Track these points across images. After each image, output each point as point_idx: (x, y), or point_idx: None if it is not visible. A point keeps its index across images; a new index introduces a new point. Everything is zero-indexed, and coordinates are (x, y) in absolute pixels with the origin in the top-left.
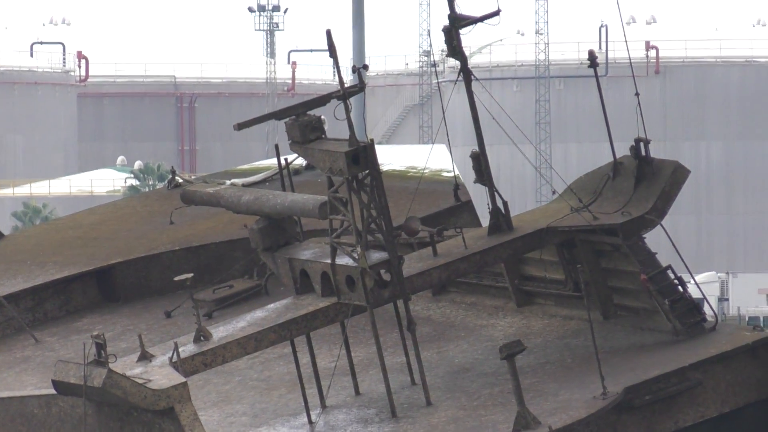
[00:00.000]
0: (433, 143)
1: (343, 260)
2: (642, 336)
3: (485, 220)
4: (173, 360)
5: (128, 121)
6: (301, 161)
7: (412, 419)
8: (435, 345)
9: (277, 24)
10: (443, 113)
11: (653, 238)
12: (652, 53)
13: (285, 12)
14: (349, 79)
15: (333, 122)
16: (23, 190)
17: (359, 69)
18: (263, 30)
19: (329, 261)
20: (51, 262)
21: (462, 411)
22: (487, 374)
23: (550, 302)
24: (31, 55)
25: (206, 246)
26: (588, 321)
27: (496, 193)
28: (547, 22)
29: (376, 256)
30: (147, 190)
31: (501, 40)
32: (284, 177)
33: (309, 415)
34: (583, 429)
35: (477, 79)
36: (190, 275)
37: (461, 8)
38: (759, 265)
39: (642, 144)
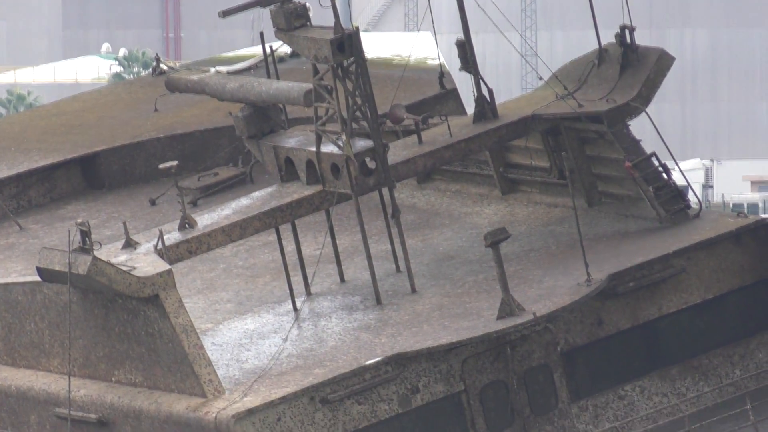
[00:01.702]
0: (418, 31)
1: (328, 148)
2: (626, 223)
3: (470, 108)
4: (158, 247)
5: (113, 8)
6: (286, 49)
7: (396, 306)
8: (420, 233)
9: None
10: (429, 1)
11: (638, 126)
12: None
13: None
14: None
15: (318, 9)
16: (7, 78)
17: None
18: None
19: (314, 149)
20: (35, 149)
21: (446, 298)
22: (471, 262)
23: (534, 190)
24: None
25: (191, 134)
26: (572, 208)
27: (481, 81)
28: None
29: (361, 143)
30: (131, 77)
31: None
32: (269, 65)
33: (294, 303)
34: (567, 315)
35: None
36: (175, 163)
37: None
38: (743, 152)
39: (627, 31)
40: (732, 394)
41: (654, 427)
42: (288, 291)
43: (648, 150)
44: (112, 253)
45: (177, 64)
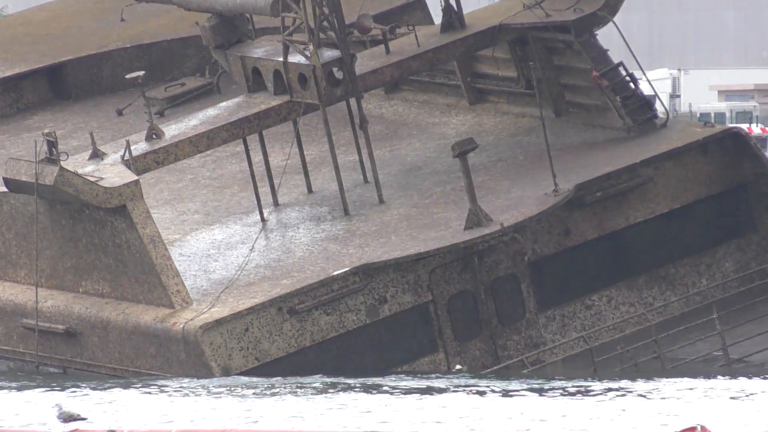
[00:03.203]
0: None
1: (295, 58)
2: (593, 133)
3: (438, 18)
4: (125, 158)
5: None
6: None
7: (364, 217)
8: (387, 143)
9: None
10: None
11: (605, 35)
12: None
13: None
14: None
15: None
16: None
17: None
18: None
19: (281, 59)
20: (1, 59)
21: (414, 209)
22: (439, 172)
23: (502, 100)
24: None
25: (158, 43)
26: (540, 118)
27: None
28: None
29: (329, 54)
30: None
31: None
32: None
33: (261, 213)
34: (535, 226)
35: None
36: (142, 73)
37: None
38: (710, 61)
39: None
40: (698, 304)
41: (621, 336)
42: (255, 201)
43: (615, 60)
44: (79, 164)
45: None
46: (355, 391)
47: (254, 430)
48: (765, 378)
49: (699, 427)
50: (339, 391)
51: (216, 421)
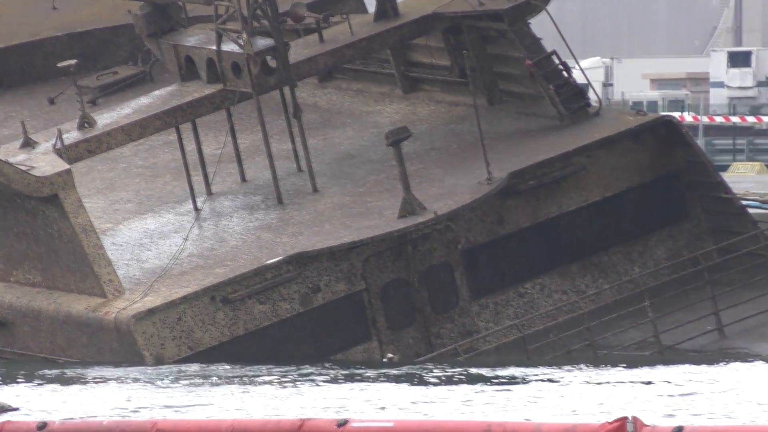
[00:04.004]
0: None
1: (228, 47)
2: (527, 121)
3: (371, 7)
4: (57, 147)
5: None
6: None
7: (298, 206)
8: (321, 132)
9: None
10: None
11: (538, 24)
12: None
13: None
14: None
15: None
16: None
17: None
18: None
19: (215, 47)
20: None
21: (348, 197)
22: (373, 161)
23: (436, 88)
24: None
25: (90, 32)
26: (473, 107)
27: None
28: None
29: (262, 42)
30: None
31: None
32: None
33: (194, 202)
34: (468, 214)
35: None
36: (74, 61)
37: None
38: (643, 50)
39: None
40: (631, 291)
41: (554, 324)
42: (189, 191)
43: (548, 48)
44: (10, 153)
45: None
46: (285, 379)
47: (184, 420)
48: (696, 365)
49: (630, 417)
50: (268, 380)
51: (147, 411)
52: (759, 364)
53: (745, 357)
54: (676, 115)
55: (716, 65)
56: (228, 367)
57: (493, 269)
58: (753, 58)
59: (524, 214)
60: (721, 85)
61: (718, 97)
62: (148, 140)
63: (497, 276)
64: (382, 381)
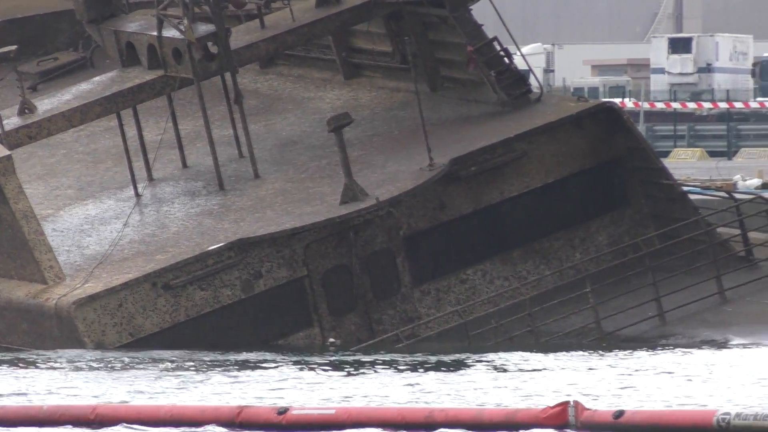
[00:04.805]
0: None
1: (169, 32)
2: (468, 107)
3: None
4: None
5: None
6: None
7: (239, 192)
8: (263, 118)
9: None
10: None
11: (480, 10)
12: None
13: None
14: None
15: None
16: None
17: None
18: None
19: (156, 33)
20: None
21: (290, 183)
22: (314, 147)
23: (377, 74)
24: None
25: (30, 18)
26: (415, 93)
27: None
28: None
29: (204, 28)
30: None
31: None
32: None
33: (136, 188)
34: (410, 200)
35: None
36: (14, 47)
37: None
38: (584, 36)
39: None
40: (572, 277)
41: (495, 310)
42: (130, 176)
43: (490, 34)
44: None
45: None
46: (225, 366)
47: (123, 405)
48: (637, 351)
49: (572, 401)
50: (208, 366)
51: (87, 397)
52: (699, 350)
53: (685, 343)
54: (617, 101)
55: (657, 51)
56: (169, 353)
57: (435, 255)
58: (693, 44)
59: (466, 201)
60: (661, 71)
61: (658, 83)
62: (89, 126)
63: (439, 262)
64: (323, 367)
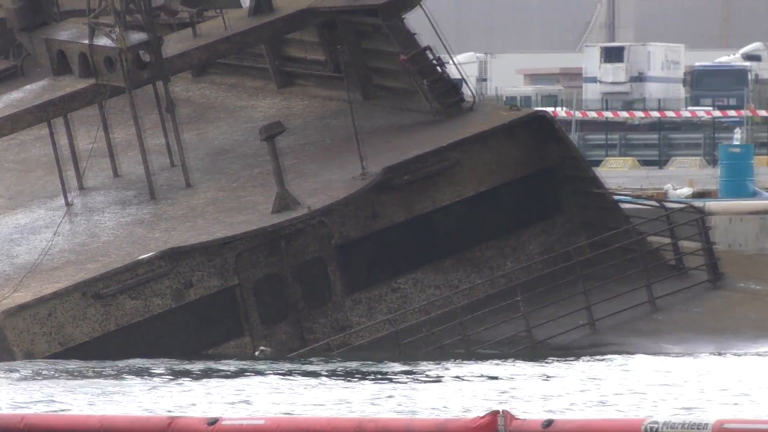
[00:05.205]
0: None
1: (102, 41)
2: (401, 116)
3: (246, 1)
4: None
5: None
6: None
7: (171, 201)
8: (195, 126)
9: None
10: None
11: (413, 19)
12: None
13: None
14: None
15: None
16: None
17: None
18: None
19: (87, 42)
20: None
21: (222, 192)
22: (247, 155)
23: (310, 83)
24: None
25: None
26: (348, 102)
27: None
28: None
29: (136, 36)
30: None
31: None
32: None
33: (66, 197)
34: (342, 209)
35: None
36: None
37: None
38: (517, 45)
39: None
40: (504, 286)
41: (427, 318)
42: (61, 185)
43: (423, 43)
44: None
45: None
46: (156, 376)
47: (52, 414)
48: (568, 360)
49: (502, 411)
50: (139, 376)
51: (17, 407)
52: (629, 358)
53: (616, 351)
54: (550, 110)
55: (589, 60)
56: (99, 363)
57: (367, 264)
58: (626, 53)
59: (398, 209)
60: (594, 80)
61: (591, 92)
62: (20, 135)
63: (371, 271)
64: (254, 377)
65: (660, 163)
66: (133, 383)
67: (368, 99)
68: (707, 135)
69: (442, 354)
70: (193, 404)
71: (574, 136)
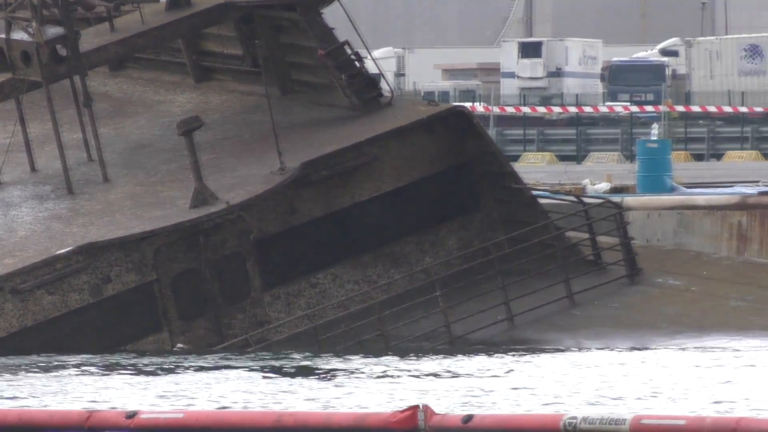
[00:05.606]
0: None
1: (18, 35)
2: (320, 111)
3: None
4: None
5: None
6: None
7: (89, 195)
8: (112, 121)
9: None
10: None
11: (331, 14)
12: None
13: None
14: None
15: None
16: None
17: None
18: None
19: (3, 36)
20: None
21: (140, 187)
22: (165, 150)
23: (228, 78)
24: None
25: None
26: (266, 97)
27: None
28: None
29: (52, 31)
30: None
31: None
32: None
33: None
34: (261, 204)
35: None
36: None
37: None
38: (435, 40)
39: None
40: (422, 281)
41: (346, 314)
42: None
43: (341, 38)
44: None
45: None
46: (74, 371)
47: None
48: (486, 355)
49: (421, 406)
50: (56, 372)
51: None
52: (548, 353)
53: (535, 346)
54: (468, 105)
55: (507, 56)
56: (16, 358)
57: (286, 259)
58: (543, 48)
59: (317, 205)
60: (512, 75)
61: (509, 87)
62: None
63: (289, 266)
64: (172, 372)
65: (578, 158)
66: (52, 378)
67: (286, 94)
68: (625, 130)
69: (361, 349)
70: (112, 398)
71: (492, 131)
